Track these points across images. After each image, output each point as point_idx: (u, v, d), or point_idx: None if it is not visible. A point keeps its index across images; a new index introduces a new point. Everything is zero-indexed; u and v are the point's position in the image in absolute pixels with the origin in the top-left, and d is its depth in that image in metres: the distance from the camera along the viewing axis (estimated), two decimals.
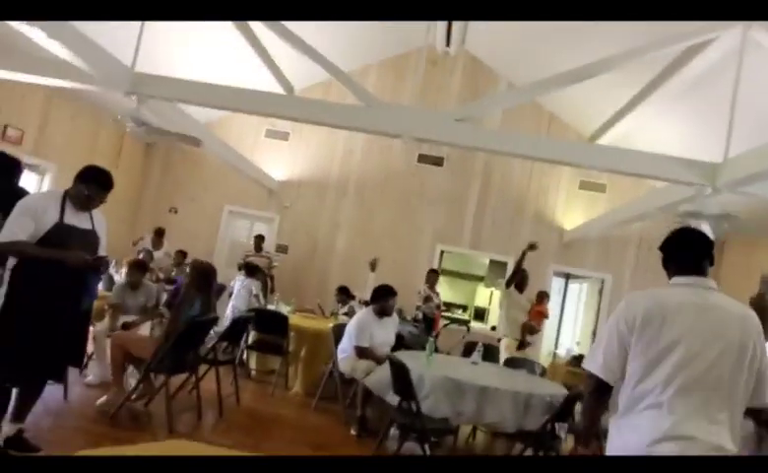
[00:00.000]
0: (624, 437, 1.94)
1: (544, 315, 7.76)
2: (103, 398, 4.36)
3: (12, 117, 7.20)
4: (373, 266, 8.71)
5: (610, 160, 5.28)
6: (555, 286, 10.18)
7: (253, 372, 6.54)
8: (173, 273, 7.94)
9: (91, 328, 4.32)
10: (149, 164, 10.39)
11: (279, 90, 7.65)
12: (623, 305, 2.03)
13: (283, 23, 5.35)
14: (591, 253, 9.60)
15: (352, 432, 4.93)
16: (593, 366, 2.02)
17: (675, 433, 1.83)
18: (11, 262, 3.06)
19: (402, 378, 4.04)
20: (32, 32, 3.91)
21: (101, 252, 3.34)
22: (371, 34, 8.64)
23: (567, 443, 4.42)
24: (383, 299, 5.34)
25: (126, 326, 4.92)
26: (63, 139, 8.09)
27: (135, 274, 5.25)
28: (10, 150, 4.46)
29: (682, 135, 7.06)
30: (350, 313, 6.86)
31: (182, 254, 8.28)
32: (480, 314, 11.72)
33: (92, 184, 3.21)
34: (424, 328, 7.55)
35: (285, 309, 6.86)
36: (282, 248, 9.76)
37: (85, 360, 4.57)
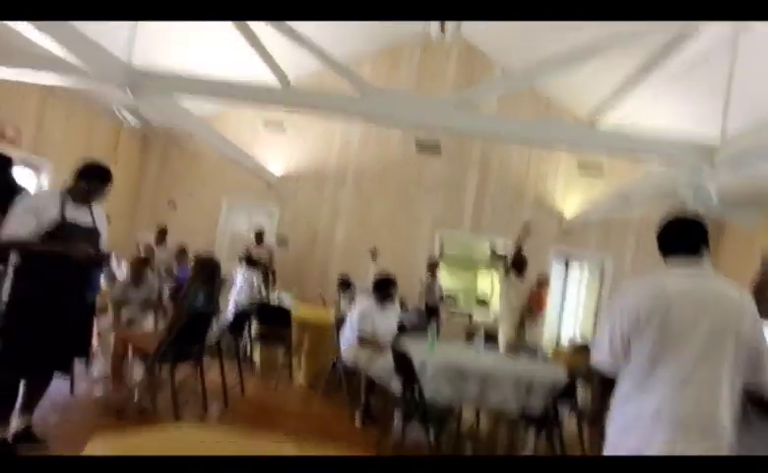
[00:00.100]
0: (627, 417, 1.97)
1: (543, 302, 7.76)
2: (103, 392, 4.41)
3: (9, 117, 7.20)
4: (374, 255, 8.75)
5: (608, 142, 5.30)
6: (556, 271, 10.21)
7: (257, 365, 6.58)
8: (175, 269, 7.95)
9: (96, 323, 4.37)
10: (146, 159, 10.39)
11: (274, 81, 7.63)
12: (624, 297, 2.07)
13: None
14: (591, 237, 9.63)
15: (357, 420, 4.97)
16: (598, 360, 2.08)
17: (675, 414, 1.88)
18: (13, 259, 3.09)
19: (404, 365, 4.07)
20: (26, 29, 3.91)
21: (102, 247, 3.37)
22: (365, 23, 8.61)
23: (570, 424, 4.46)
24: (385, 288, 5.37)
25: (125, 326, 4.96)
26: (60, 136, 8.10)
27: (137, 270, 5.29)
28: (8, 149, 4.47)
29: (680, 116, 7.05)
30: (350, 303, 6.88)
31: (183, 250, 8.30)
32: (482, 301, 11.75)
33: (91, 179, 3.25)
34: (426, 317, 7.58)
35: (287, 298, 6.88)
36: (282, 241, 9.78)
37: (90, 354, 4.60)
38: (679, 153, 4.79)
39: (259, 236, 8.87)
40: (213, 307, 4.67)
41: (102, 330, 4.95)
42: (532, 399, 4.00)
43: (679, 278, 2.03)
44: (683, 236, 2.11)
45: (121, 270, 6.28)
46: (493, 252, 9.42)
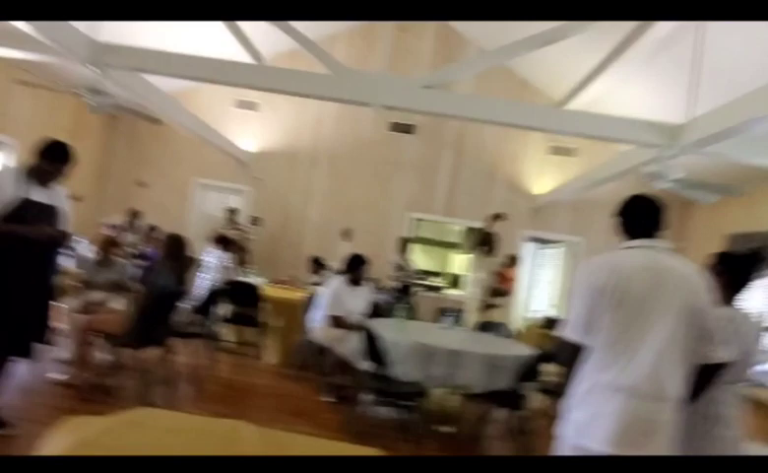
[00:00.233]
0: (587, 385, 2.08)
1: (512, 280, 7.89)
2: (66, 374, 4.36)
3: None
4: (348, 236, 8.74)
5: (576, 124, 5.35)
6: (528, 251, 10.35)
7: (229, 345, 6.56)
8: (142, 247, 7.81)
9: (63, 305, 4.30)
10: (113, 137, 10.13)
11: (247, 59, 7.51)
12: (586, 272, 2.16)
13: None
14: (563, 218, 9.77)
15: (328, 399, 5.01)
16: (569, 333, 2.15)
17: (630, 382, 1.99)
18: None
19: (374, 345, 4.11)
20: None
21: (63, 227, 3.31)
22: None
23: (534, 402, 4.57)
24: (356, 268, 5.38)
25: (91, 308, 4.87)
26: (25, 114, 7.87)
27: (105, 250, 5.19)
28: None
29: (649, 98, 7.16)
30: (322, 283, 6.89)
31: (152, 230, 8.17)
32: (455, 281, 11.88)
33: (52, 159, 3.17)
34: (400, 297, 7.63)
35: (258, 278, 6.83)
36: (255, 220, 9.71)
37: (54, 336, 4.53)
38: (645, 134, 4.88)
39: (232, 215, 8.79)
40: (182, 287, 4.63)
41: (69, 312, 4.86)
42: (498, 377, 4.09)
43: (637, 255, 2.12)
44: (639, 217, 2.20)
45: (87, 251, 6.16)
46: (469, 229, 9.50)
